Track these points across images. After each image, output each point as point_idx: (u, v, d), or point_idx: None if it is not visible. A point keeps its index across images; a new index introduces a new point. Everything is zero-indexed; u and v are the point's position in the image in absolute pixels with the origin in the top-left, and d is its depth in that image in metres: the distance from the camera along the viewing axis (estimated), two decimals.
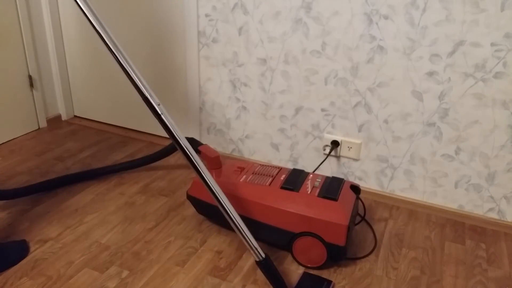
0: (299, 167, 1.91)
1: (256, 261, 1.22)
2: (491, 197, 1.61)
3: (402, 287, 1.32)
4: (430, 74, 1.53)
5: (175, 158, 2.07)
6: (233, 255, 1.42)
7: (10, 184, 1.78)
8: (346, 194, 1.40)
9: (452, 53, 1.48)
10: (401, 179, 1.73)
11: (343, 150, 1.78)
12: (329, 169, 1.85)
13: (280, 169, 1.53)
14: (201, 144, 1.61)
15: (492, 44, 1.42)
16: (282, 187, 1.40)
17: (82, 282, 1.28)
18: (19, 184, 1.78)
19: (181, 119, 2.13)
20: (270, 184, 1.42)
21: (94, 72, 2.30)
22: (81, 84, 2.38)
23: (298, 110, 1.81)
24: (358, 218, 1.64)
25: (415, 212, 1.71)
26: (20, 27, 2.10)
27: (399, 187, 1.75)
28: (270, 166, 1.55)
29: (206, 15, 1.84)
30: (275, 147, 1.93)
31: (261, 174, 1.49)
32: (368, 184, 1.80)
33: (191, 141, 1.68)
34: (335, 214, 1.30)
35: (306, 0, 1.62)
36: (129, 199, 1.71)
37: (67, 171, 1.89)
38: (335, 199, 1.33)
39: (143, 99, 1.11)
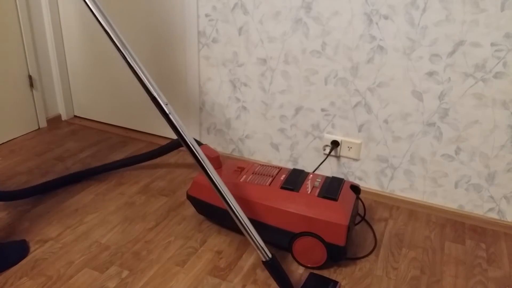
0: (299, 167, 1.91)
1: (262, 261, 1.22)
2: (491, 197, 1.61)
3: (402, 287, 1.32)
4: (430, 74, 1.53)
5: (175, 158, 2.07)
6: (233, 255, 1.42)
7: (10, 184, 1.78)
8: (346, 194, 1.40)
9: (452, 53, 1.48)
10: (401, 179, 1.73)
11: (343, 150, 1.78)
12: (329, 169, 1.85)
13: (280, 169, 1.53)
14: (201, 144, 1.61)
15: (492, 44, 1.42)
16: (282, 187, 1.40)
17: (82, 282, 1.28)
18: (19, 184, 1.78)
19: (181, 119, 2.13)
20: (270, 184, 1.42)
21: (94, 72, 2.30)
22: (81, 84, 2.38)
23: (298, 110, 1.81)
24: (358, 218, 1.64)
25: (415, 212, 1.71)
26: (20, 27, 2.10)
27: (399, 187, 1.75)
28: (270, 166, 1.55)
29: (206, 15, 1.84)
30: (275, 147, 1.93)
31: (261, 174, 1.49)
32: (368, 184, 1.80)
33: None
34: (335, 214, 1.30)
35: (306, 0, 1.62)
36: (129, 199, 1.71)
37: (67, 171, 1.89)
38: (335, 199, 1.33)
39: (151, 99, 1.11)
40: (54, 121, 2.40)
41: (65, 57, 2.35)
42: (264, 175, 1.49)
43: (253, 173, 1.50)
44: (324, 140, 1.80)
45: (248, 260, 1.40)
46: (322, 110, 1.76)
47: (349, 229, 1.30)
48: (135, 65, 1.10)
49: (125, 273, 1.32)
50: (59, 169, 1.91)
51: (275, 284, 1.26)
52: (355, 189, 1.47)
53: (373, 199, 1.79)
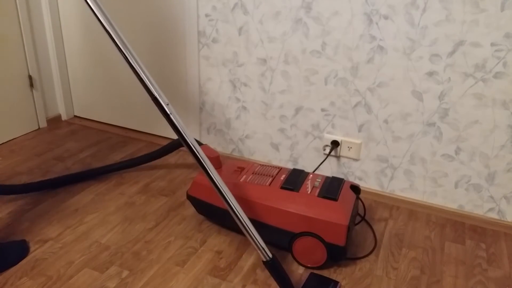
0: (299, 167, 1.91)
1: (263, 261, 1.22)
2: (491, 197, 1.61)
3: (402, 287, 1.32)
4: (430, 74, 1.53)
5: (175, 158, 2.07)
6: (233, 255, 1.42)
7: (10, 184, 1.78)
8: (346, 194, 1.40)
9: (452, 53, 1.48)
10: (401, 179, 1.73)
11: (343, 150, 1.78)
12: (329, 169, 1.85)
13: (280, 169, 1.53)
14: (201, 144, 1.61)
15: (492, 44, 1.42)
16: (282, 187, 1.40)
17: (82, 282, 1.28)
18: None
19: (181, 119, 2.13)
20: (270, 184, 1.42)
21: (94, 72, 2.30)
22: (81, 84, 2.38)
23: (298, 110, 1.81)
24: (358, 218, 1.64)
25: (415, 212, 1.71)
26: (20, 27, 2.10)
27: (399, 187, 1.75)
28: (270, 166, 1.55)
29: (206, 15, 1.84)
30: (275, 147, 1.93)
31: (261, 174, 1.49)
32: (368, 184, 1.80)
33: None
34: (335, 214, 1.30)
35: (306, 0, 1.62)
36: (129, 199, 1.71)
37: (67, 171, 1.89)
38: (335, 199, 1.33)
39: (152, 99, 1.11)
40: (54, 121, 2.40)
41: (65, 57, 2.35)
42: (264, 175, 1.49)
43: (253, 173, 1.50)
44: (324, 140, 1.80)
45: (248, 260, 1.40)
46: (322, 110, 1.76)
47: (349, 229, 1.30)
48: (136, 65, 1.10)
49: (125, 273, 1.32)
50: (59, 169, 1.91)
51: (275, 284, 1.26)
52: (355, 189, 1.47)
53: (373, 199, 1.79)
